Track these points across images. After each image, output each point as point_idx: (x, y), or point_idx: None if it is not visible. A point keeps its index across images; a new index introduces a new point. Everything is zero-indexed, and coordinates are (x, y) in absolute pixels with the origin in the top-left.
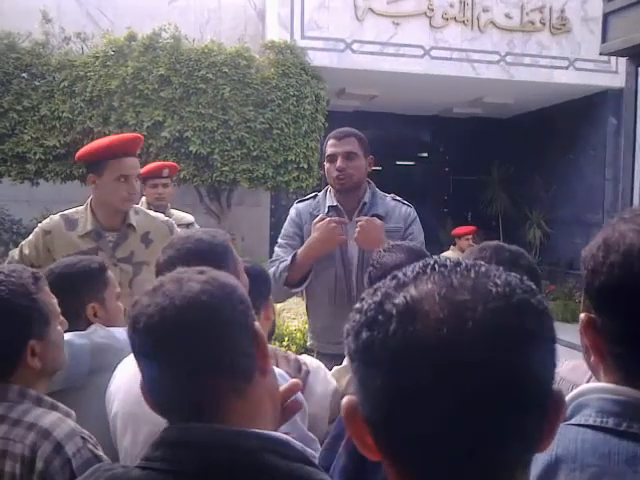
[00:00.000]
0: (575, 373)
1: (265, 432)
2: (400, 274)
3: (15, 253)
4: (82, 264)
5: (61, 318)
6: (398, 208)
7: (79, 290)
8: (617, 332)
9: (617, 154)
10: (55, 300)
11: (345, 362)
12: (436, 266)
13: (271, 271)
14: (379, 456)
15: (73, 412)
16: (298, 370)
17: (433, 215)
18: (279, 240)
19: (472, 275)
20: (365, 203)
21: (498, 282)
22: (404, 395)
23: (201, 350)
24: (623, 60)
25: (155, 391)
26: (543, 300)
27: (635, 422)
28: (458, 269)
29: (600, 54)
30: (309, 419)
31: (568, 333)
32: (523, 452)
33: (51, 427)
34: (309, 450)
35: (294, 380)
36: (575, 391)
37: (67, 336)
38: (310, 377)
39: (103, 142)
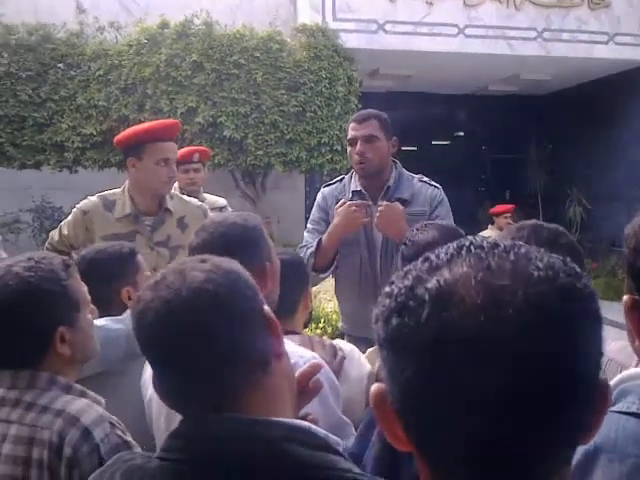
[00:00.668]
0: (623, 353)
1: (285, 420)
2: (433, 256)
3: (55, 234)
4: (113, 249)
5: (91, 306)
6: (424, 190)
7: (111, 275)
8: None
9: None
10: (85, 288)
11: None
12: (472, 247)
13: None
14: (410, 447)
15: (102, 399)
16: (334, 355)
17: (470, 194)
18: (308, 225)
19: (511, 257)
20: (389, 187)
21: (540, 265)
22: (438, 387)
23: (213, 341)
24: None
25: (168, 386)
26: (589, 283)
27: None
28: (496, 251)
29: None
30: (345, 403)
31: (611, 311)
32: (567, 446)
33: (79, 413)
34: (332, 437)
35: (313, 362)
36: (619, 376)
37: (102, 321)
38: (345, 362)
39: (144, 126)
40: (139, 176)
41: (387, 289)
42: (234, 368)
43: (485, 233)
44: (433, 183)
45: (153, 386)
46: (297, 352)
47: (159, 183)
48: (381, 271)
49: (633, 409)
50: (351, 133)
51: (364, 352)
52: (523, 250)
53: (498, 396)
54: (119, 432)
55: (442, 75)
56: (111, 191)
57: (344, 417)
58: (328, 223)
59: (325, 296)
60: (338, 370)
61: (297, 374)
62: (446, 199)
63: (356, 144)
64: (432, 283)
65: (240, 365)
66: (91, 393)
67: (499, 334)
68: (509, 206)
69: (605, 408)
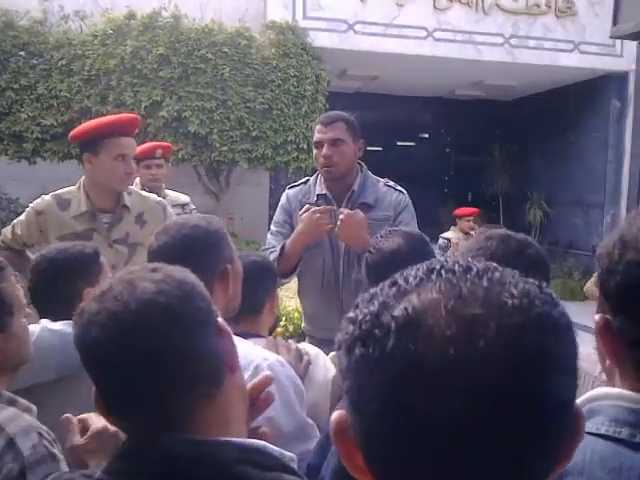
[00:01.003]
0: (587, 361)
1: (237, 440)
2: (401, 279)
3: (8, 231)
4: (75, 249)
5: (27, 310)
6: (389, 195)
7: (73, 275)
8: (635, 335)
9: (620, 136)
10: (21, 292)
11: None
12: (442, 271)
13: None
14: (369, 478)
15: (34, 407)
16: (299, 359)
17: (434, 195)
18: (271, 227)
19: (484, 283)
20: (354, 191)
21: (514, 292)
22: (404, 424)
23: (164, 358)
24: (628, 43)
25: (114, 404)
26: (565, 312)
27: None
28: (468, 276)
29: (610, 37)
30: (310, 407)
31: (568, 312)
32: (540, 477)
33: (4, 423)
34: (287, 454)
35: (265, 374)
36: (587, 395)
37: (57, 326)
38: (311, 366)
39: (101, 121)
40: (95, 172)
41: (351, 314)
42: (185, 386)
43: (447, 234)
44: (398, 188)
45: (95, 403)
46: (261, 354)
47: (116, 180)
48: (343, 275)
49: (602, 431)
50: (317, 136)
51: (327, 354)
52: (497, 275)
53: (466, 433)
54: (46, 443)
55: (409, 77)
56: (66, 189)
57: (308, 419)
58: (292, 226)
59: (287, 294)
60: (304, 374)
61: (249, 386)
62: (411, 204)
63: (322, 147)
64: (399, 310)
65: (191, 382)
66: (22, 401)
67: (468, 368)
68: (473, 209)
69: (578, 439)
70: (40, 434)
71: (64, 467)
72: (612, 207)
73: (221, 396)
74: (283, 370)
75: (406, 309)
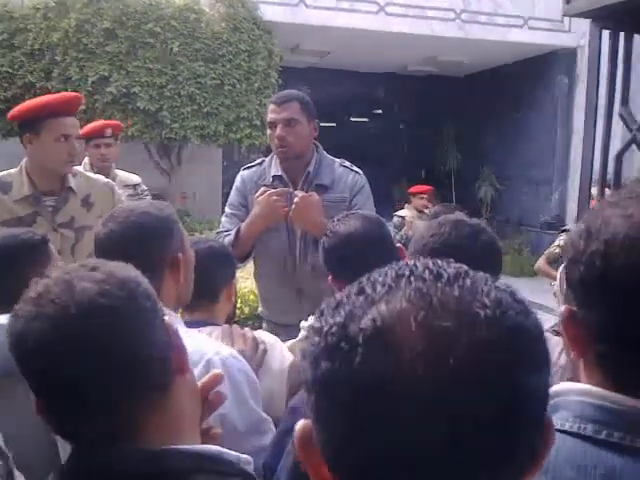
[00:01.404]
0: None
1: (193, 448)
2: (368, 287)
3: None
4: (23, 237)
5: None
6: (345, 176)
7: (21, 264)
8: (600, 328)
9: (568, 113)
10: None
11: (302, 335)
12: (412, 278)
13: None
14: None
15: None
16: (255, 349)
17: (388, 173)
18: (226, 209)
19: (455, 292)
20: (309, 172)
21: (486, 302)
22: (371, 441)
23: (108, 365)
24: (576, 20)
25: (57, 414)
26: (538, 321)
27: (617, 430)
28: (439, 284)
29: (564, 15)
30: (266, 395)
31: (517, 287)
32: None
33: None
34: (244, 457)
35: (215, 372)
36: (550, 390)
37: (2, 319)
38: (267, 355)
39: (41, 100)
40: (37, 154)
41: (316, 324)
42: (132, 392)
43: (402, 212)
44: (354, 169)
45: (37, 411)
46: (213, 348)
47: (59, 161)
48: (300, 258)
49: (567, 427)
50: (270, 116)
51: (283, 340)
52: (468, 282)
53: (435, 454)
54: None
55: (362, 53)
56: (6, 172)
57: (263, 414)
58: (247, 208)
59: (242, 274)
60: (260, 364)
61: (199, 385)
62: (367, 185)
63: (276, 127)
64: (366, 322)
65: (138, 388)
66: None
67: (437, 388)
68: (426, 187)
69: (549, 442)
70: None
71: None
72: (560, 184)
73: (170, 400)
74: (236, 364)
75: (374, 320)
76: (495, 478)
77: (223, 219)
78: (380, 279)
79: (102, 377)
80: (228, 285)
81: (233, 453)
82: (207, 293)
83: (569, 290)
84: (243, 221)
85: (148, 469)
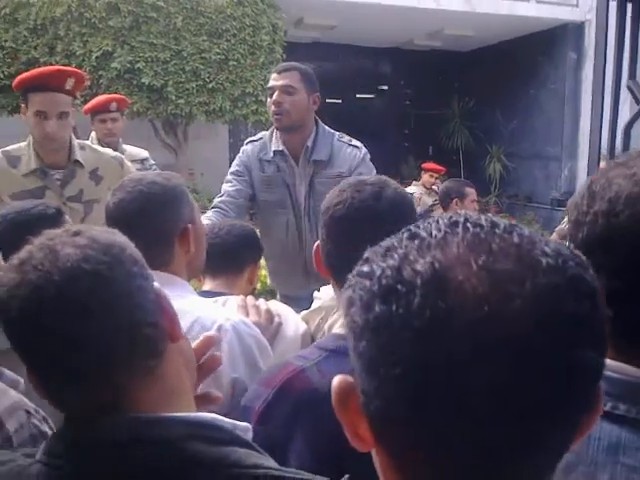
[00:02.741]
0: None
1: (185, 415)
2: (422, 231)
3: None
4: (37, 209)
5: None
6: (343, 151)
7: (35, 237)
8: (604, 291)
9: (576, 88)
10: None
11: (314, 305)
12: (469, 225)
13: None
14: (370, 448)
15: (22, 380)
16: (270, 320)
17: (395, 150)
18: (227, 176)
19: (515, 239)
20: (308, 147)
21: (547, 251)
22: (432, 389)
23: (97, 333)
24: None
25: (48, 383)
26: (595, 276)
27: (624, 402)
28: (497, 230)
29: None
30: (278, 358)
31: None
32: (556, 454)
33: None
34: (241, 425)
35: (209, 334)
36: None
37: None
38: (282, 327)
39: (27, 73)
40: (29, 127)
41: (364, 268)
42: (122, 361)
43: (409, 189)
44: (353, 142)
45: (29, 381)
46: (224, 314)
47: (38, 138)
48: (306, 234)
49: None
50: (271, 83)
51: (296, 312)
52: (526, 232)
53: (500, 399)
54: (36, 421)
55: (367, 27)
56: (16, 145)
57: None
58: (249, 179)
59: None
60: (274, 335)
61: (193, 348)
62: (368, 158)
63: (273, 95)
64: (424, 265)
65: (129, 356)
66: (8, 373)
67: (503, 328)
68: (441, 168)
69: (599, 409)
70: (28, 412)
71: None
72: (570, 160)
73: (163, 368)
74: (246, 329)
75: (432, 264)
76: (549, 426)
77: (224, 185)
78: (434, 225)
79: (89, 344)
80: (252, 266)
81: (228, 420)
82: (232, 267)
83: None
84: (244, 188)
85: (136, 436)
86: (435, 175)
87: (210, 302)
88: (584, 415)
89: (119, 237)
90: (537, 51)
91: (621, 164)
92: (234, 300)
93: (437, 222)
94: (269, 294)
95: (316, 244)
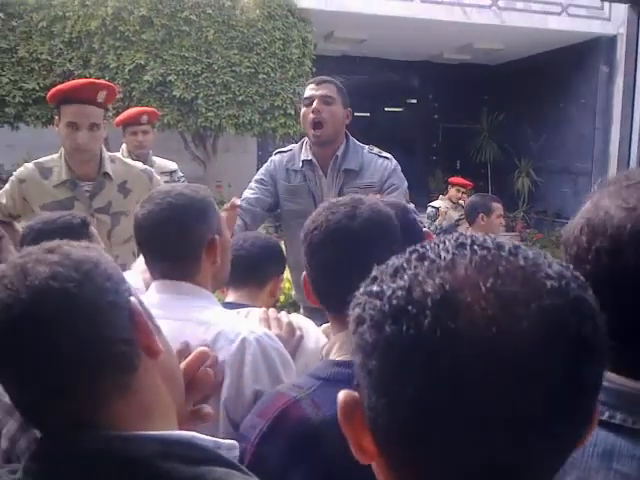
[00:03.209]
0: None
1: (160, 434)
2: (431, 253)
3: None
4: (63, 220)
5: None
6: (374, 162)
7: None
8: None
9: (608, 103)
10: None
11: None
12: (476, 247)
13: None
14: (373, 460)
15: None
16: (291, 334)
17: (422, 163)
18: (251, 183)
19: (520, 262)
20: (338, 157)
21: (551, 273)
22: (443, 408)
23: (66, 350)
24: (616, 7)
25: (19, 401)
26: (594, 296)
27: (621, 412)
28: (502, 252)
29: (601, 1)
30: (300, 371)
31: None
32: (554, 469)
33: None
34: (225, 443)
35: (201, 349)
36: None
37: None
38: (303, 340)
39: (60, 85)
40: (61, 138)
41: (375, 288)
42: (92, 378)
43: (436, 203)
44: (383, 154)
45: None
46: (248, 327)
47: (69, 149)
48: None
49: None
50: (308, 93)
51: (319, 324)
52: (531, 254)
53: (507, 413)
54: None
55: (397, 40)
56: (48, 157)
57: None
58: (274, 188)
59: None
60: (295, 348)
61: (182, 365)
62: (399, 168)
63: (312, 104)
64: (434, 287)
65: (99, 373)
66: None
67: (514, 349)
68: (468, 183)
69: (595, 422)
70: None
71: None
72: (600, 175)
73: (138, 385)
74: (270, 342)
75: (442, 286)
76: (550, 443)
77: (245, 192)
78: (441, 246)
79: (56, 364)
80: (275, 279)
81: (209, 438)
82: (255, 280)
83: None
84: (266, 197)
85: (108, 453)
86: (462, 189)
87: (233, 314)
88: (584, 428)
89: (94, 252)
90: (568, 65)
91: (613, 194)
92: (256, 312)
93: (444, 243)
94: (291, 306)
95: (303, 274)
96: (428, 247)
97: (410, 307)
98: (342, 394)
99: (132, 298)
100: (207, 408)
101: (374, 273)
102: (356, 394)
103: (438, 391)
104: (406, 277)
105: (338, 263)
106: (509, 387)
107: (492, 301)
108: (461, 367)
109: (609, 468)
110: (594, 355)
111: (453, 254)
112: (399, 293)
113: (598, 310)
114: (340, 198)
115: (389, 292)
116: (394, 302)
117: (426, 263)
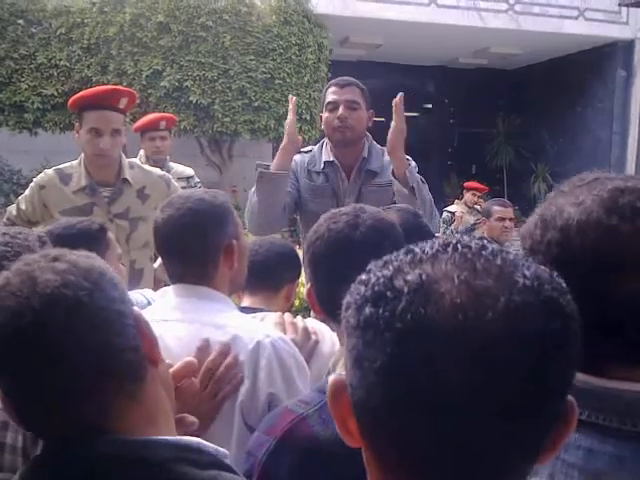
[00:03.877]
0: None
1: (172, 439)
2: (417, 249)
3: (13, 208)
4: (82, 225)
5: None
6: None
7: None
8: None
9: (625, 107)
10: None
11: None
12: (459, 246)
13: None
14: (359, 443)
15: None
16: (306, 338)
17: (438, 168)
18: None
19: (498, 262)
20: (364, 158)
21: (527, 273)
22: (405, 382)
23: (77, 359)
24: (634, 11)
25: (26, 411)
26: (572, 301)
27: (585, 409)
28: (483, 252)
29: (619, 5)
30: (315, 377)
31: None
32: (522, 461)
33: None
34: (222, 451)
35: (187, 360)
36: None
37: None
38: (319, 345)
39: (83, 92)
40: (81, 145)
41: (363, 277)
42: (103, 387)
43: (451, 208)
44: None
45: (4, 407)
46: (264, 331)
47: (91, 155)
48: None
49: None
50: (332, 97)
51: (333, 329)
52: (511, 257)
53: (462, 399)
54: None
55: (412, 45)
56: (68, 163)
57: None
58: (297, 185)
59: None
60: (310, 353)
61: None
62: (416, 169)
63: (337, 109)
64: (413, 276)
65: (110, 382)
66: None
67: (474, 335)
68: (484, 187)
69: (569, 430)
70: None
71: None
72: None
73: (145, 392)
74: (285, 346)
75: (420, 275)
76: (513, 438)
77: None
78: (428, 244)
79: (68, 372)
80: (290, 284)
81: (212, 445)
82: (270, 285)
83: None
84: (291, 189)
85: (125, 458)
86: (478, 194)
87: (249, 318)
88: (555, 424)
89: (98, 261)
90: (585, 69)
91: (567, 193)
92: (272, 317)
93: (433, 242)
94: (306, 311)
95: (308, 286)
96: (419, 245)
97: (389, 293)
98: (331, 378)
99: (135, 308)
100: (191, 417)
101: (369, 266)
102: (343, 377)
103: (402, 365)
104: (391, 267)
105: (341, 273)
106: (469, 373)
107: (463, 292)
108: (426, 347)
109: (557, 458)
110: (561, 355)
111: (437, 250)
112: (381, 280)
113: (573, 314)
114: (342, 208)
115: (373, 280)
116: (376, 288)
117: (410, 256)
